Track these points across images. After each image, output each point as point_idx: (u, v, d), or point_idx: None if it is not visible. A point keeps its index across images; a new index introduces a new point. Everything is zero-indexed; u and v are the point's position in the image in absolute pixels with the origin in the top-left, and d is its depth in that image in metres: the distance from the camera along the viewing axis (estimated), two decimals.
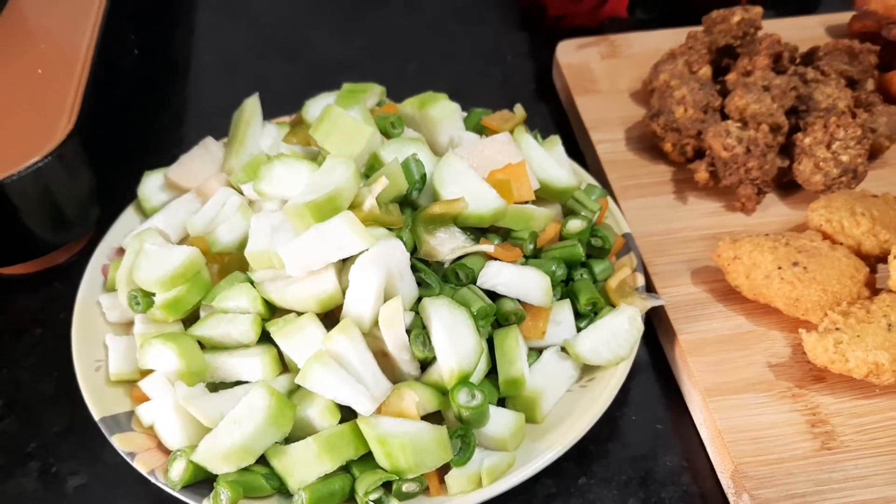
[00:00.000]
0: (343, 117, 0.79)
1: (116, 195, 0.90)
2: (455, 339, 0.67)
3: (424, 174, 0.77)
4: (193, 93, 1.16)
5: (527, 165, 0.79)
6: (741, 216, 0.87)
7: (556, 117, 1.08)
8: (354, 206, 0.72)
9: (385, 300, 0.69)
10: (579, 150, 1.01)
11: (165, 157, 0.94)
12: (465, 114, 0.90)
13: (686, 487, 0.70)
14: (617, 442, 0.74)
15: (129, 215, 0.87)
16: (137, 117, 1.10)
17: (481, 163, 0.79)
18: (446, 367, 0.67)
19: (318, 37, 1.23)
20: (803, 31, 1.09)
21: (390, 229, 0.73)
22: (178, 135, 1.10)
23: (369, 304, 0.68)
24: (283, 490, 0.66)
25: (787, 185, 0.89)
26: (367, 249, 0.68)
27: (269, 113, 0.92)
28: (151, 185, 0.88)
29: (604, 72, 1.05)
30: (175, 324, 0.73)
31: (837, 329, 0.69)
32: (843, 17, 1.10)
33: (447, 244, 0.74)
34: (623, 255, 0.82)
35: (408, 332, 0.69)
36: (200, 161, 0.88)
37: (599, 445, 0.73)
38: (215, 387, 0.71)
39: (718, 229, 0.85)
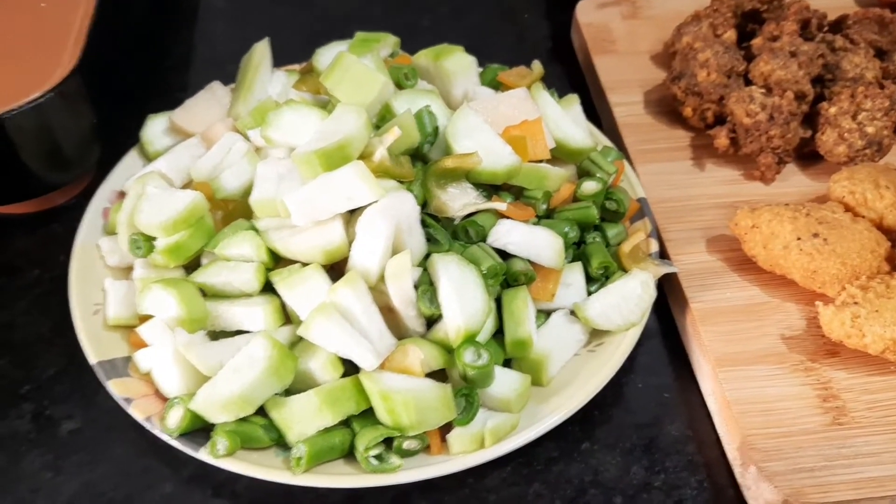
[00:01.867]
0: (356, 65, 0.76)
1: (119, 137, 0.88)
2: (463, 297, 0.65)
3: (437, 127, 0.75)
4: (202, 36, 1.13)
5: (543, 123, 0.77)
6: (759, 185, 0.85)
7: (573, 78, 1.05)
8: (364, 157, 0.70)
9: (392, 254, 0.67)
10: (595, 111, 0.99)
11: (170, 100, 0.92)
12: (480, 69, 0.88)
13: (691, 457, 0.69)
14: (622, 408, 0.72)
15: (131, 158, 0.85)
16: (144, 59, 1.08)
17: (496, 118, 0.77)
18: (453, 325, 0.65)
19: None
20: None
21: (400, 182, 0.71)
22: (183, 79, 1.07)
23: (376, 258, 0.66)
24: (281, 442, 0.64)
25: (807, 156, 0.87)
26: (376, 201, 0.66)
27: (277, 62, 0.90)
28: (155, 129, 0.86)
29: (624, 32, 1.02)
30: (176, 270, 0.72)
31: (855, 303, 0.68)
32: None
33: (458, 200, 0.72)
34: (637, 219, 0.80)
35: (415, 287, 0.67)
36: (206, 105, 0.85)
37: (604, 411, 0.72)
38: (215, 335, 0.69)
39: (736, 198, 0.83)
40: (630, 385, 0.74)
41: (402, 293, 0.66)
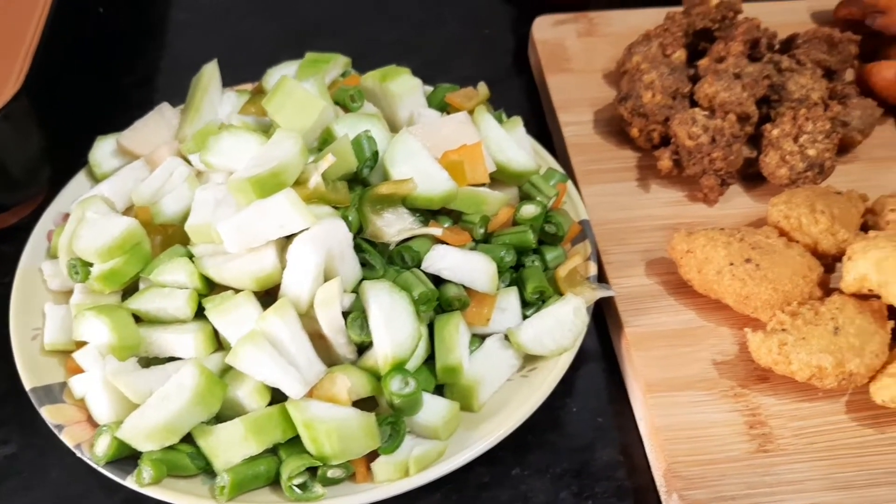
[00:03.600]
0: (297, 90, 0.77)
1: (77, 158, 0.88)
2: (392, 324, 0.66)
3: (376, 152, 0.75)
4: (166, 53, 1.14)
5: (484, 147, 0.78)
6: (703, 207, 0.85)
7: (531, 95, 1.06)
8: (300, 183, 0.70)
9: (326, 280, 0.68)
10: (548, 130, 0.99)
11: (130, 118, 0.92)
12: (431, 88, 0.88)
13: (620, 483, 0.69)
14: (555, 433, 0.73)
15: (79, 180, 0.85)
16: (104, 78, 1.08)
17: (436, 142, 0.77)
18: (381, 353, 0.66)
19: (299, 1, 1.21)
20: (789, 15, 1.06)
21: (336, 208, 0.71)
22: (146, 97, 1.07)
23: (307, 285, 0.66)
24: (209, 470, 0.65)
25: (753, 177, 0.87)
26: (307, 228, 0.67)
27: (243, 76, 0.90)
28: (103, 151, 0.86)
29: (579, 50, 1.02)
30: (112, 295, 0.72)
31: (783, 330, 0.68)
32: (831, 3, 1.06)
33: (394, 225, 0.73)
34: (579, 242, 0.80)
35: (348, 314, 0.68)
36: (154, 127, 0.86)
37: (538, 436, 0.72)
38: (149, 362, 0.70)
39: (679, 219, 0.84)
40: (565, 409, 0.75)
41: (331, 321, 0.66)
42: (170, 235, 0.74)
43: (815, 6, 1.07)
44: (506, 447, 0.70)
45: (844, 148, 0.88)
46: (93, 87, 1.05)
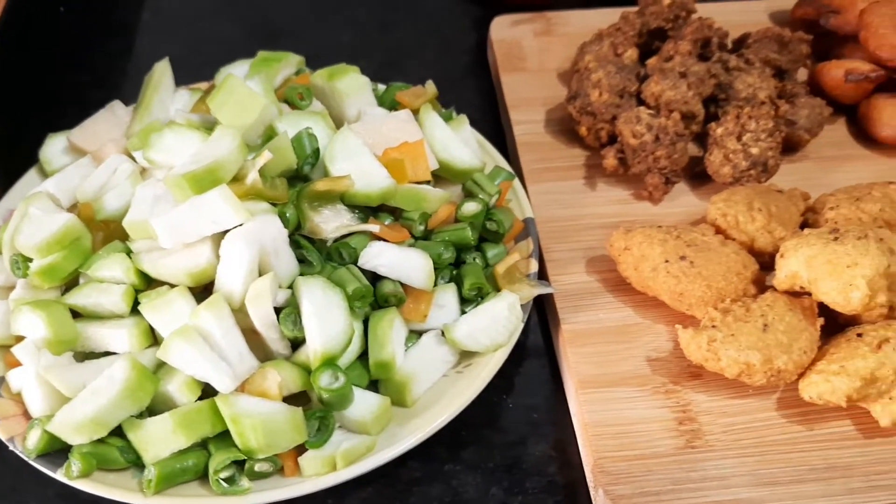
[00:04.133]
0: (239, 87, 0.77)
1: (33, 156, 0.89)
2: (324, 319, 0.66)
3: (317, 149, 0.76)
4: (128, 54, 1.14)
5: (427, 144, 0.78)
6: (648, 205, 0.86)
7: (489, 95, 1.06)
8: (238, 179, 0.71)
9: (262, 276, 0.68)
10: (503, 129, 0.99)
11: (85, 118, 0.93)
12: (384, 87, 0.89)
13: (552, 478, 0.70)
14: (490, 428, 0.73)
15: (30, 177, 0.86)
16: (64, 77, 1.08)
17: (378, 140, 0.78)
18: (311, 348, 0.66)
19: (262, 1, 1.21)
20: (746, 15, 1.06)
21: (275, 204, 0.72)
22: (106, 97, 1.07)
23: (239, 280, 0.67)
24: (139, 464, 0.65)
25: (699, 176, 0.88)
26: (241, 224, 0.68)
27: (200, 78, 0.91)
28: (54, 148, 0.87)
29: (535, 50, 1.03)
30: (52, 290, 0.73)
31: (714, 326, 0.68)
32: (789, 3, 1.07)
33: (332, 222, 0.73)
34: (522, 239, 0.80)
35: (281, 310, 0.68)
36: (105, 125, 0.87)
37: (473, 431, 0.73)
38: (87, 357, 0.70)
39: (623, 218, 0.84)
40: (502, 405, 0.75)
41: (262, 316, 0.67)
42: (112, 231, 0.75)
43: (773, 6, 1.08)
44: (440, 443, 0.71)
45: (793, 147, 0.89)
46: (52, 87, 1.06)
